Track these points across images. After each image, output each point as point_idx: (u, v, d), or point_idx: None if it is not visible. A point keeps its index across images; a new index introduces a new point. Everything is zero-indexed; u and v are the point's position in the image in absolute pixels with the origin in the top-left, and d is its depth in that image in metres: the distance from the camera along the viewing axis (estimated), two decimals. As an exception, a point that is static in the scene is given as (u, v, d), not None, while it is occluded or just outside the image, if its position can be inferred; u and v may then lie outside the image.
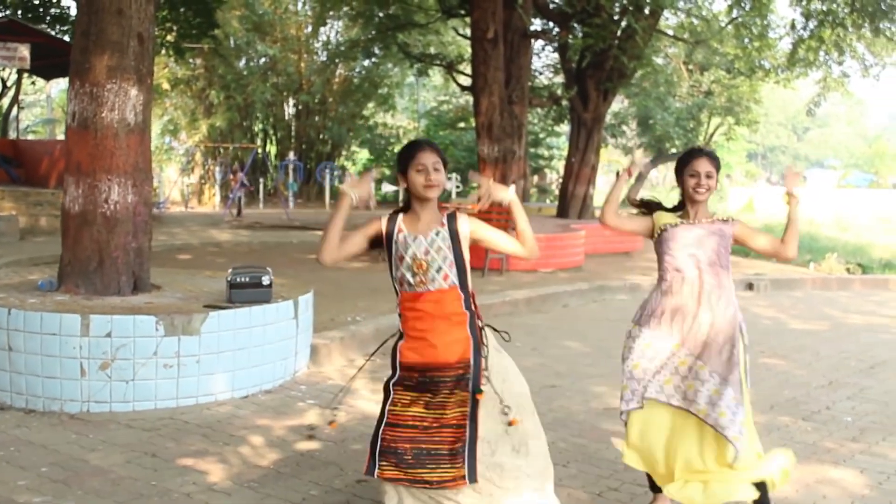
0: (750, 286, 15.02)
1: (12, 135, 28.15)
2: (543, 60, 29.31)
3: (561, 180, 38.86)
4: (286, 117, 34.44)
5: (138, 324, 6.63)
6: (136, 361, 6.64)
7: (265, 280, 7.41)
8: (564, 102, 22.12)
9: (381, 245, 4.25)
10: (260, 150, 32.34)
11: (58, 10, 24.47)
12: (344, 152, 36.99)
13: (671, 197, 33.51)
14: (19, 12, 22.83)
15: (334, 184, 32.79)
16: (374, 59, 31.63)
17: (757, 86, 29.95)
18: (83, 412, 6.59)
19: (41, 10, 24.17)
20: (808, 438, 6.66)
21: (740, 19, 21.14)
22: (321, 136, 34.26)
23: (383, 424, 4.16)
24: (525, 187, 25.10)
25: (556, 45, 22.43)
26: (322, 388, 7.57)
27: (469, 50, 27.14)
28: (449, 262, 4.13)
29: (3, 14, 22.35)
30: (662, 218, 4.97)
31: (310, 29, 33.46)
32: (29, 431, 6.20)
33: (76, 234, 7.48)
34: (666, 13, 21.45)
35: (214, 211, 27.28)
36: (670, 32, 23.77)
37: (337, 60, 32.60)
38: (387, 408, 4.20)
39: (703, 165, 4.82)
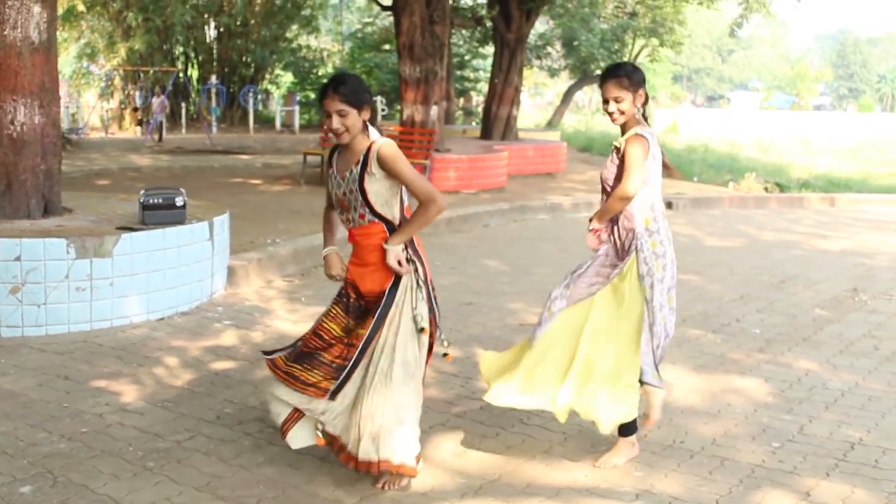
0: (669, 205, 15.20)
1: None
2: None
3: (483, 103, 38.91)
4: (207, 40, 33.70)
5: (48, 247, 6.53)
6: (48, 285, 6.56)
7: (178, 201, 7.34)
8: (489, 24, 21.98)
9: None
10: (181, 74, 31.68)
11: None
12: (267, 76, 36.40)
13: (595, 119, 33.48)
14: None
15: (257, 108, 32.37)
16: (296, -21, 31.07)
17: (681, 7, 30.03)
18: (-6, 336, 6.53)
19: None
20: (717, 350, 6.84)
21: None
22: (244, 59, 33.64)
23: (310, 330, 4.37)
24: (449, 109, 25.03)
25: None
26: (239, 309, 7.56)
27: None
28: (360, 202, 4.15)
29: None
30: None
31: (230, -53, 32.71)
32: (-64, 356, 6.13)
33: (-19, 156, 7.31)
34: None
35: (135, 137, 26.78)
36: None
37: (259, -20, 31.97)
38: (321, 317, 4.38)
39: (609, 91, 4.56)
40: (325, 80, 4.39)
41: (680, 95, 69.01)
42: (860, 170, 26.35)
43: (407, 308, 4.18)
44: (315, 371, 4.17)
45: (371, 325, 4.14)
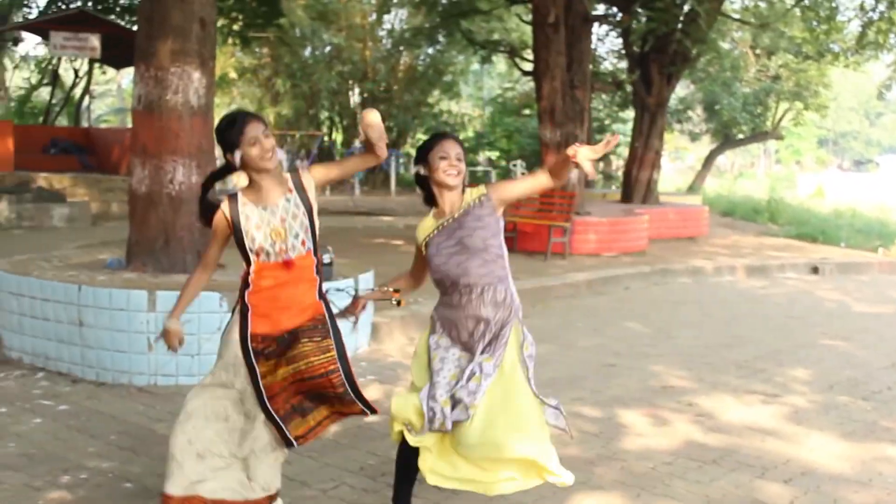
0: (815, 270, 14.86)
1: (84, 123, 28.73)
2: (607, 46, 29.19)
3: (623, 166, 38.73)
4: (352, 105, 34.63)
5: (203, 300, 6.79)
6: (201, 336, 6.82)
7: (326, 258, 7.55)
8: (629, 88, 22.00)
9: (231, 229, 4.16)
10: (326, 138, 32.58)
11: (126, 1, 24.95)
12: (409, 139, 37.11)
13: (738, 184, 32.98)
14: (90, 3, 23.31)
15: (399, 171, 32.95)
16: (438, 47, 31.66)
17: (826, 70, 29.48)
18: (150, 385, 6.81)
19: (111, 1, 24.66)
20: (867, 417, 6.64)
21: (807, 2, 20.84)
22: (386, 124, 34.12)
23: (266, 399, 4.15)
24: (584, 173, 24.98)
25: (618, 29, 22.32)
26: (382, 365, 7.70)
27: (531, 36, 27.20)
28: (304, 227, 4.15)
29: (75, 5, 22.84)
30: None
31: (374, 17, 33.61)
32: (99, 403, 6.42)
33: (143, 214, 7.70)
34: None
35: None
36: (736, 16, 23.51)
37: (401, 48, 32.71)
38: (260, 383, 4.15)
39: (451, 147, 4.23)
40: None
41: (826, 160, 67.44)
42: None
43: None
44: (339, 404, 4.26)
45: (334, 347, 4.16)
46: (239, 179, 4.35)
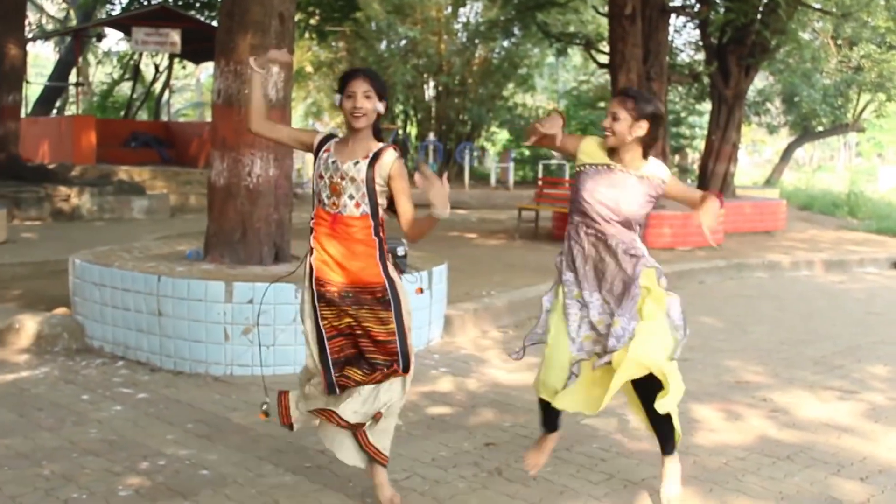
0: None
1: (164, 117, 29.25)
2: (684, 38, 28.88)
3: (699, 159, 38.25)
4: (426, 98, 34.72)
5: (279, 291, 6.88)
6: (277, 327, 6.92)
7: (399, 251, 7.60)
8: (706, 80, 21.74)
9: (310, 151, 4.49)
10: (401, 131, 32.74)
11: (206, -3, 25.35)
12: (483, 133, 37.12)
13: (817, 177, 32.41)
14: (170, 0, 23.70)
15: (473, 164, 32.97)
16: (513, 40, 31.61)
17: (910, 60, 28.81)
18: (227, 375, 6.93)
19: (191, -4, 25.07)
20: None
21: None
22: (461, 117, 34.46)
23: (326, 342, 4.40)
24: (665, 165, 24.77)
25: (696, 20, 22.05)
26: (455, 357, 7.74)
27: (607, 28, 27.00)
28: (362, 193, 4.28)
29: (156, 1, 23.25)
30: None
31: (449, 10, 33.62)
32: (177, 391, 6.55)
33: (221, 206, 7.83)
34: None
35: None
36: (817, 6, 23.07)
37: (476, 41, 32.72)
38: (321, 324, 4.40)
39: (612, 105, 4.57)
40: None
41: (910, 153, 65.76)
42: None
43: None
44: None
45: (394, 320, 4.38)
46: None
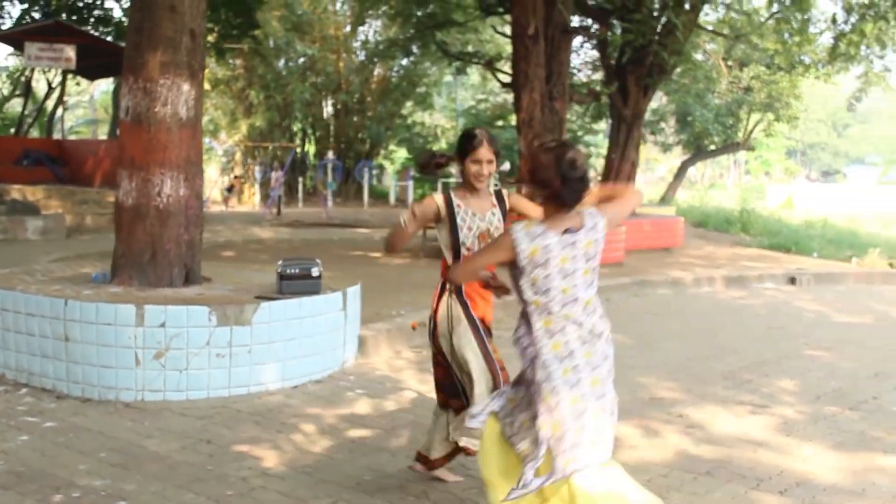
0: (792, 280, 14.96)
1: (57, 135, 28.52)
2: (581, 57, 29.26)
3: (599, 178, 38.81)
4: (325, 116, 34.55)
5: (192, 314, 6.75)
6: (190, 351, 6.76)
7: (314, 272, 7.51)
8: (604, 99, 22.07)
9: (438, 220, 4.89)
10: (299, 150, 32.50)
11: (101, 12, 24.79)
12: (382, 151, 37.09)
13: (709, 195, 33.13)
14: (64, 14, 23.15)
15: (372, 183, 32.89)
16: (411, 58, 31.67)
17: (797, 81, 29.66)
18: (138, 401, 6.73)
19: (85, 12, 24.48)
20: (856, 427, 6.66)
21: (780, 14, 20.99)
22: (360, 136, 34.38)
23: (497, 368, 4.85)
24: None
25: (595, 41, 22.39)
26: (370, 379, 7.66)
27: (508, 47, 27.21)
28: None
29: (49, 16, 22.68)
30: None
31: (348, 28, 33.61)
32: (86, 419, 6.34)
33: (130, 226, 7.63)
34: (706, 8, 21.37)
35: (254, 210, 27.48)
36: (710, 28, 23.66)
37: (375, 60, 32.72)
38: (488, 347, 4.87)
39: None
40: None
41: (794, 170, 67.74)
42: None
43: None
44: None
45: None
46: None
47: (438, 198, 4.87)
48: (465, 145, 4.82)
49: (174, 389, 6.75)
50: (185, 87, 7.47)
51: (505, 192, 4.96)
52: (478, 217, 4.84)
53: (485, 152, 4.76)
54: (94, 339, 6.79)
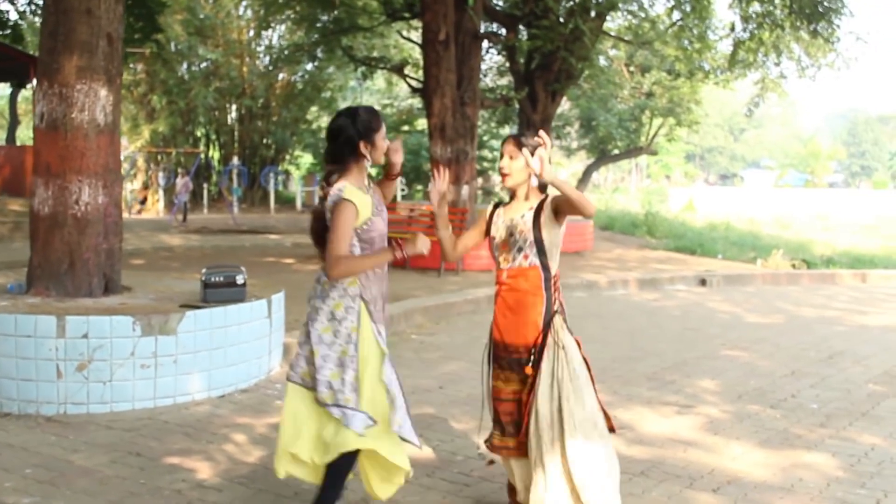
0: (703, 282, 15.24)
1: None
2: (487, 63, 29.45)
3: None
4: (229, 122, 34.21)
5: (115, 324, 6.59)
6: (114, 362, 6.60)
7: (239, 279, 7.40)
8: (516, 105, 22.24)
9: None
10: (203, 155, 32.08)
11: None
12: (288, 156, 36.85)
13: (614, 198, 33.70)
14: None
15: (278, 188, 32.58)
16: (316, 63, 31.51)
17: (697, 87, 30.34)
18: (60, 414, 6.54)
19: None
20: (779, 425, 6.81)
21: (682, 21, 21.41)
22: (265, 141, 34.10)
23: (492, 400, 4.59)
24: (474, 188, 25.22)
25: (502, 47, 22.55)
26: (297, 387, 7.56)
27: (413, 53, 27.25)
28: (529, 242, 4.41)
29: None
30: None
31: (252, 33, 33.30)
32: (6, 434, 6.13)
33: (46, 236, 7.40)
34: (610, 15, 21.68)
35: (159, 217, 27.03)
36: (614, 34, 24.02)
37: (280, 64, 32.47)
38: (490, 383, 4.60)
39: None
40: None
41: (693, 174, 69.34)
42: (882, 246, 26.37)
43: (562, 364, 4.35)
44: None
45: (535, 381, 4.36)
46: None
47: (490, 206, 4.76)
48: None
49: (98, 402, 6.58)
50: (103, 92, 7.28)
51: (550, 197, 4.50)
52: (505, 222, 4.54)
53: (507, 146, 4.48)
54: (12, 352, 6.57)
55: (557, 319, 4.42)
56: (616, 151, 36.04)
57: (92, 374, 6.55)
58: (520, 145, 4.40)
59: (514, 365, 4.44)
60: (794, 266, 18.69)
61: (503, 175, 4.53)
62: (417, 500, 5.02)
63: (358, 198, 4.24)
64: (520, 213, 4.47)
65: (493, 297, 4.58)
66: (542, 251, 4.40)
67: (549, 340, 4.36)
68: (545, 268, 4.41)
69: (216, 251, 17.41)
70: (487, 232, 4.64)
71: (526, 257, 4.41)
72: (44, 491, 5.07)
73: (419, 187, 35.68)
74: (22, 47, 23.91)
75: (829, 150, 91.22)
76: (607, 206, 33.73)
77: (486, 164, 37.63)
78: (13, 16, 24.73)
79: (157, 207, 29.82)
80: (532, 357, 4.36)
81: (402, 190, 32.31)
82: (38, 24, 26.87)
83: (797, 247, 23.49)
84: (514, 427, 4.47)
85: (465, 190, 16.33)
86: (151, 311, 6.89)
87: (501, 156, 4.53)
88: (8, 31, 23.73)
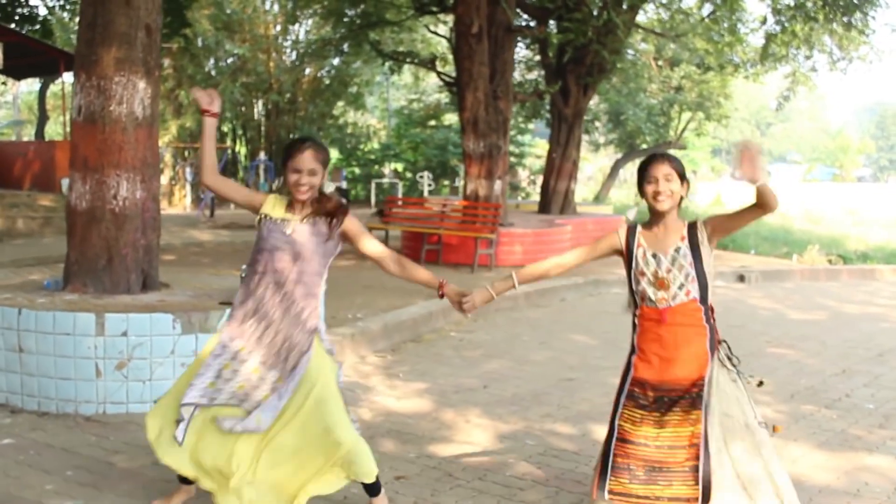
0: (741, 278, 15.00)
1: (-21, 137, 27.69)
2: (517, 56, 29.26)
3: (531, 177, 38.89)
4: (256, 117, 34.06)
5: (155, 322, 6.44)
6: (154, 360, 6.45)
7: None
8: (547, 98, 22.04)
9: (620, 257, 4.30)
10: (230, 151, 31.99)
11: (26, 10, 24.12)
12: (313, 152, 36.68)
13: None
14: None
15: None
16: (343, 58, 31.37)
17: (727, 81, 30.06)
18: (99, 414, 6.40)
19: (9, 9, 23.81)
20: (836, 426, 6.61)
21: (713, 14, 21.16)
22: (291, 136, 33.94)
23: (614, 440, 4.13)
24: (506, 183, 25.07)
25: (533, 40, 22.35)
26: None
27: (440, 47, 27.06)
28: (691, 277, 4.10)
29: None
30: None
31: (279, 28, 33.17)
32: (45, 434, 6.00)
33: (83, 231, 7.24)
34: (641, 8, 21.44)
35: (186, 212, 26.96)
36: (648, 27, 23.78)
37: (306, 59, 32.34)
38: (616, 422, 4.16)
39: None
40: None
41: (720, 169, 68.85)
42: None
43: (724, 397, 4.14)
44: (676, 483, 4.02)
45: (703, 420, 4.03)
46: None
47: (622, 229, 4.32)
48: (642, 165, 4.21)
49: (137, 401, 6.43)
50: (141, 84, 7.13)
51: (701, 223, 4.20)
52: (658, 257, 4.18)
53: (658, 168, 4.11)
54: (51, 350, 6.43)
55: (721, 351, 4.22)
56: (644, 146, 35.76)
57: (131, 373, 6.40)
58: (675, 166, 4.12)
59: (669, 404, 4.11)
60: (830, 262, 18.41)
61: (657, 198, 4.13)
62: (472, 503, 4.86)
63: (274, 199, 4.70)
64: (674, 247, 4.14)
65: (638, 333, 4.23)
66: (703, 285, 4.11)
67: (714, 374, 4.13)
68: (704, 300, 4.12)
69: (246, 246, 17.26)
70: (627, 258, 4.25)
71: (688, 293, 4.10)
72: (86, 494, 4.94)
73: (446, 182, 35.48)
74: (51, 42, 23.92)
75: (860, 143, 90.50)
76: (637, 202, 33.39)
77: (512, 160, 37.39)
78: (42, 11, 24.70)
79: (184, 203, 29.75)
80: (698, 391, 4.08)
81: (430, 185, 32.15)
82: (66, 20, 26.92)
83: (830, 242, 23.16)
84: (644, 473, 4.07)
85: (497, 185, 16.14)
86: (191, 309, 6.74)
87: (647, 179, 4.14)
88: (37, 27, 23.77)
